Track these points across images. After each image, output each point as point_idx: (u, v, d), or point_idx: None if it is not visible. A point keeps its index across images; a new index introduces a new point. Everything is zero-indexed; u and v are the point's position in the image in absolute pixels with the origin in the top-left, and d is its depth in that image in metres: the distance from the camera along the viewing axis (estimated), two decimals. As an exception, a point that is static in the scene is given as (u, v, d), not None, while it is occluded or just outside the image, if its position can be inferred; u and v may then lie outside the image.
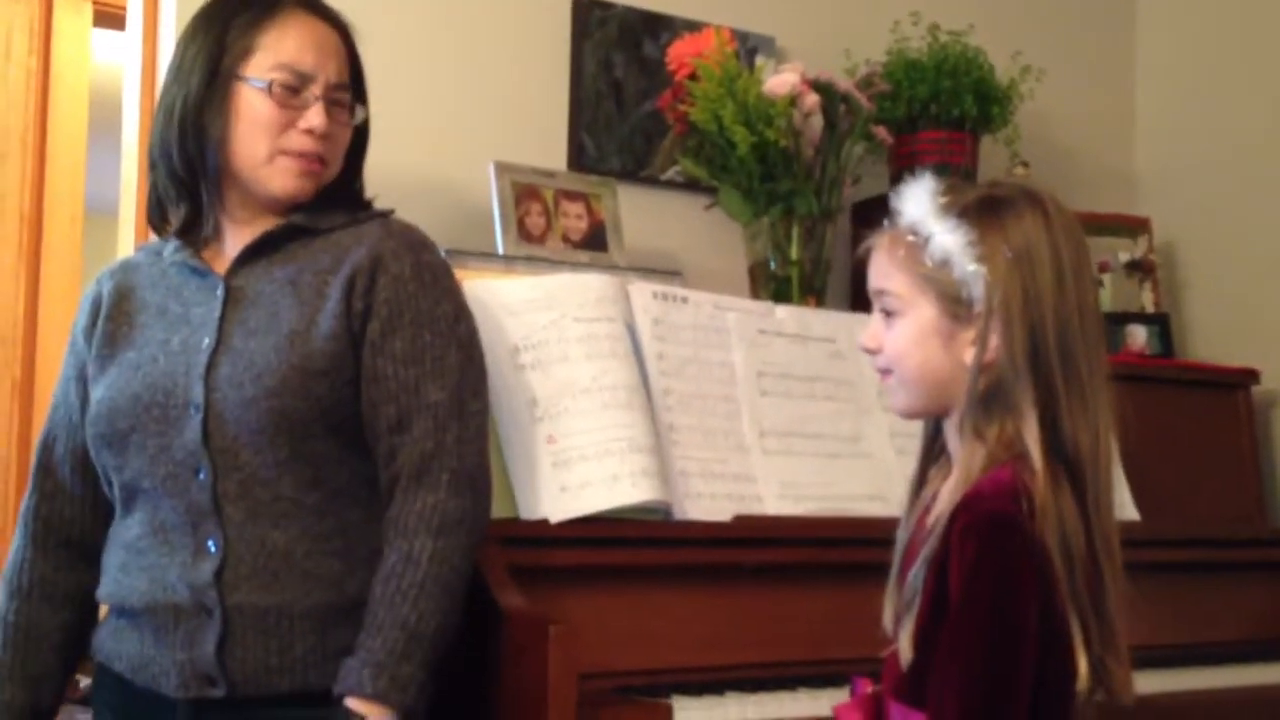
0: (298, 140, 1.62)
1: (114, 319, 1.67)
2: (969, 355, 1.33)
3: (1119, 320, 2.83)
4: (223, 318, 1.60)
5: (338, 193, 1.70)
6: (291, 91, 1.62)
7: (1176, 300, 3.06)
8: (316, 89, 1.63)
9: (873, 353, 1.41)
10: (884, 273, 1.38)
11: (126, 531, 1.62)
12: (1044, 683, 1.25)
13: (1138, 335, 2.81)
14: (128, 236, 2.45)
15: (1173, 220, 3.05)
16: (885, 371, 1.40)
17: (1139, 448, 2.52)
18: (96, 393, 1.64)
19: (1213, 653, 2.30)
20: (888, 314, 1.38)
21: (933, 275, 1.33)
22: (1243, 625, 2.47)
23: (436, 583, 1.53)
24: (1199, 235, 3.05)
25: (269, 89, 1.60)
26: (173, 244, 1.68)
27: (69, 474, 1.71)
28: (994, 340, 1.30)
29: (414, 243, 1.67)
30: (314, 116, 1.62)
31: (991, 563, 1.25)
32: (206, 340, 1.59)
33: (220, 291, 1.62)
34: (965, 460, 1.33)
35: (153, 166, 1.67)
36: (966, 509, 1.28)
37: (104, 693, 1.67)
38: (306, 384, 1.56)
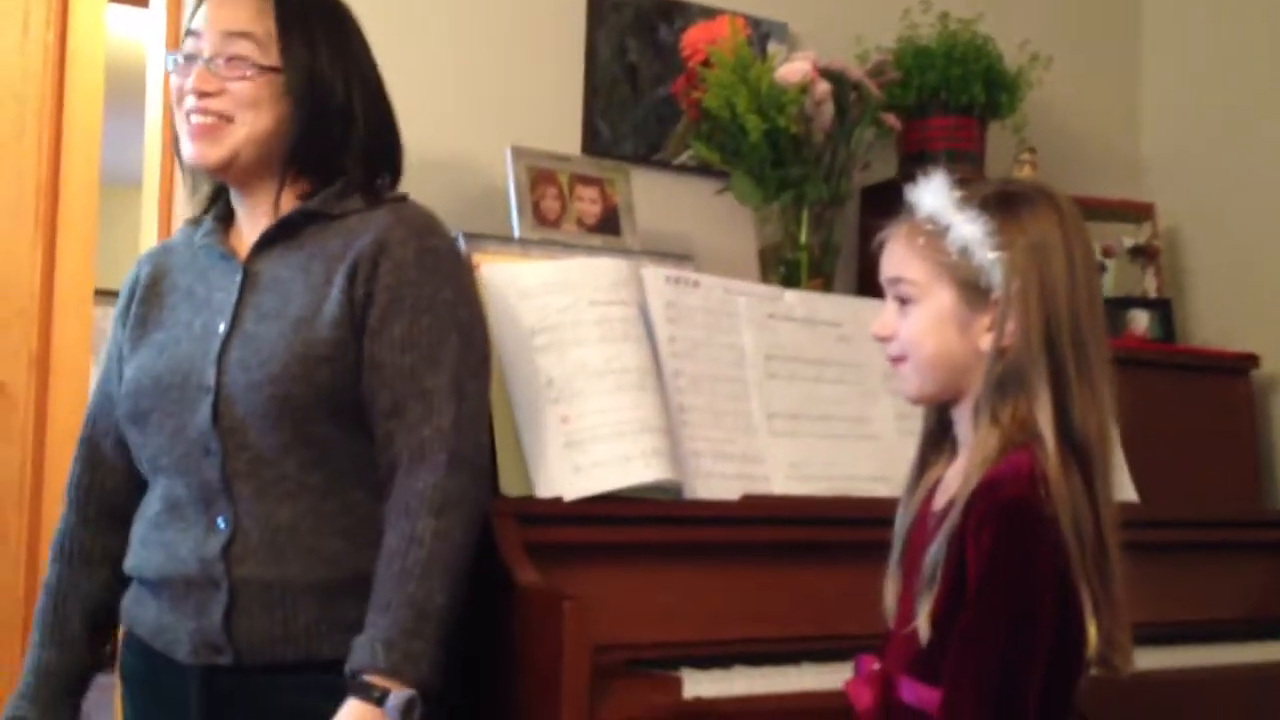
0: (187, 101, 1.65)
1: (147, 301, 1.73)
2: (984, 341, 1.38)
3: (1122, 305, 2.87)
4: (239, 302, 1.65)
5: (321, 169, 1.68)
6: (189, 60, 1.65)
7: (1179, 285, 3.10)
8: (205, 47, 1.64)
9: (885, 340, 1.46)
10: (901, 261, 1.43)
11: (148, 507, 1.69)
12: (1057, 657, 1.31)
13: (1140, 320, 2.86)
14: (151, 209, 2.50)
15: (1177, 206, 3.09)
16: (899, 359, 1.45)
17: (1140, 431, 2.59)
18: (126, 373, 1.70)
19: (1209, 631, 2.35)
20: (903, 302, 1.43)
21: (952, 263, 1.39)
22: (1239, 605, 2.52)
23: (440, 560, 1.56)
24: (1202, 221, 3.09)
25: (177, 65, 1.66)
26: (205, 225, 1.73)
27: (110, 448, 1.76)
28: (1011, 326, 1.36)
29: (420, 228, 1.68)
30: (195, 77, 1.64)
31: (1009, 548, 1.30)
32: (222, 325, 1.64)
33: (239, 276, 1.67)
34: (980, 444, 1.37)
35: None
36: (985, 495, 1.33)
37: (128, 656, 1.73)
38: (309, 370, 1.59)
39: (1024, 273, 1.35)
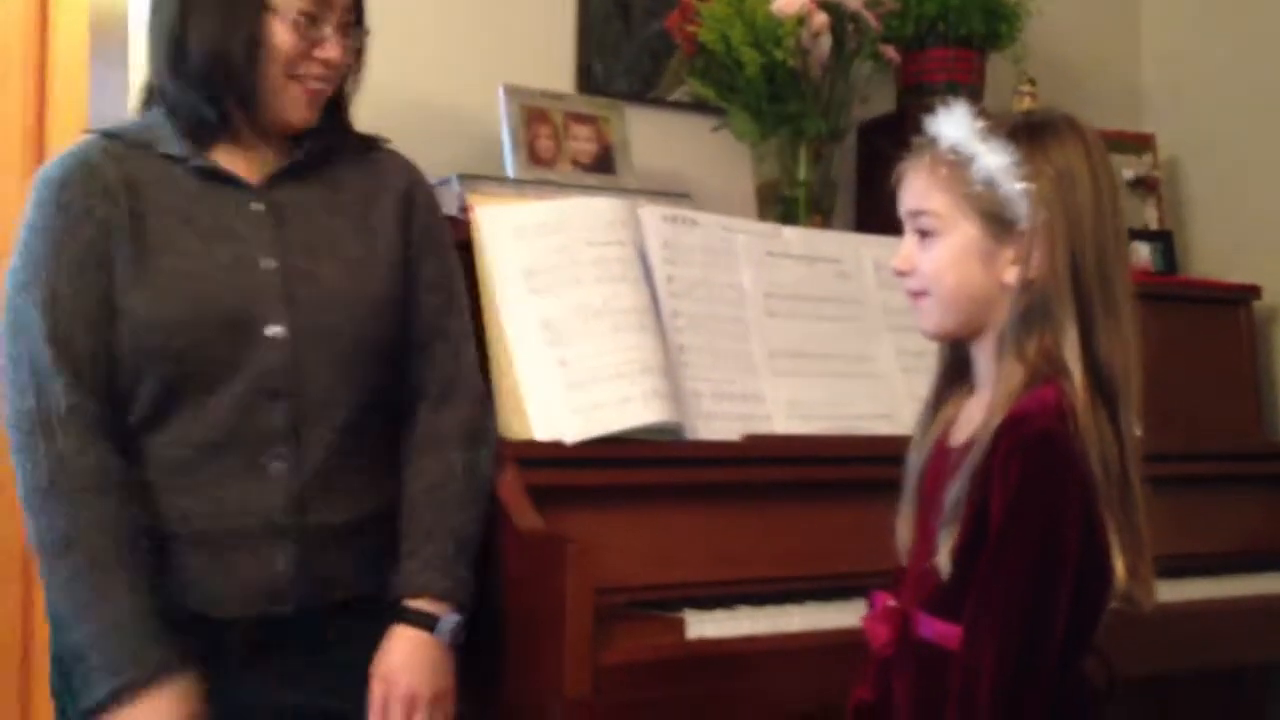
0: (313, 68, 1.61)
1: (132, 214, 1.56)
2: (1009, 274, 1.36)
3: (1123, 238, 2.85)
4: (275, 238, 1.60)
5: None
6: (311, 21, 1.60)
7: (1180, 217, 3.07)
8: (334, 19, 1.62)
9: (905, 275, 1.43)
10: (923, 193, 1.39)
11: (163, 452, 1.54)
12: (1082, 593, 1.29)
13: (1141, 252, 2.83)
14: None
15: (1177, 136, 3.05)
16: (919, 293, 1.42)
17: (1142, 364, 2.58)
18: (135, 299, 1.54)
19: (1211, 564, 2.34)
20: (923, 235, 1.40)
21: (976, 194, 1.35)
22: (1241, 538, 2.52)
23: (474, 491, 1.67)
24: (1203, 151, 3.05)
25: (291, 19, 1.58)
26: (177, 144, 1.60)
27: (96, 369, 1.53)
28: (1037, 258, 1.33)
29: (423, 176, 1.78)
30: (331, 49, 1.62)
31: (1036, 482, 1.28)
32: (268, 262, 1.58)
33: (259, 206, 1.60)
34: (1005, 378, 1.34)
35: (162, 89, 1.60)
36: (1011, 429, 1.30)
37: None
38: (381, 312, 1.64)
39: (1050, 203, 1.32)
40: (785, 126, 2.33)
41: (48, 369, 1.50)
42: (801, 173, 2.35)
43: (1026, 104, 2.68)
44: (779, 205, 2.37)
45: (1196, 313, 2.73)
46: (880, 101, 2.63)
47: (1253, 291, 2.78)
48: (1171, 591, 2.17)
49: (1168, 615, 2.09)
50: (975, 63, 2.59)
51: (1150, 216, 2.93)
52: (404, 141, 2.20)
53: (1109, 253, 1.34)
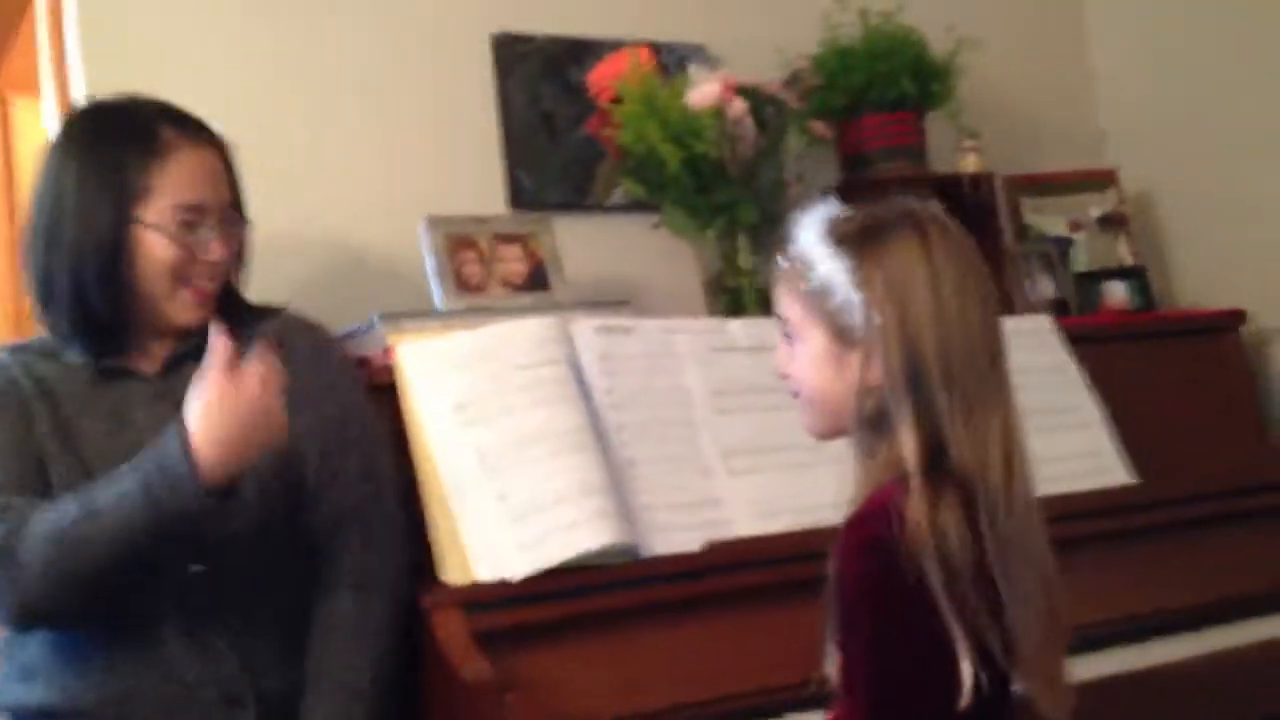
0: (200, 271, 1.65)
1: (45, 403, 1.64)
2: (856, 380, 1.33)
3: (1096, 278, 2.77)
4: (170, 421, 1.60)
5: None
6: (189, 228, 1.64)
7: (1160, 249, 2.99)
8: (212, 219, 1.66)
9: (784, 377, 1.43)
10: (780, 300, 1.41)
11: (71, 633, 1.59)
12: (942, 698, 1.23)
13: (1117, 291, 2.74)
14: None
15: (1146, 169, 2.97)
16: (796, 394, 1.42)
17: (1134, 405, 2.47)
18: (55, 476, 1.61)
19: (1235, 608, 2.22)
20: (791, 339, 1.40)
21: (817, 303, 1.35)
22: (1262, 577, 2.39)
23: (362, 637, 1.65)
24: (1174, 181, 2.97)
25: (168, 232, 1.62)
26: (74, 349, 1.67)
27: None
28: (874, 364, 1.31)
29: (309, 325, 1.79)
30: (215, 250, 1.66)
31: (864, 590, 1.25)
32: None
33: (157, 395, 1.65)
34: (858, 482, 1.35)
35: (46, 298, 1.65)
36: (842, 535, 1.29)
37: None
38: (279, 470, 1.62)
39: (883, 309, 1.29)
40: (720, 217, 2.27)
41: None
42: (743, 261, 2.29)
43: (971, 159, 2.63)
44: (725, 296, 2.31)
45: (1183, 346, 2.63)
46: (826, 175, 2.58)
47: (1238, 317, 2.68)
48: (1190, 646, 2.07)
49: (1186, 673, 2.00)
50: (912, 125, 2.54)
51: (1123, 253, 2.84)
52: (330, 287, 2.17)
53: (956, 352, 1.28)
